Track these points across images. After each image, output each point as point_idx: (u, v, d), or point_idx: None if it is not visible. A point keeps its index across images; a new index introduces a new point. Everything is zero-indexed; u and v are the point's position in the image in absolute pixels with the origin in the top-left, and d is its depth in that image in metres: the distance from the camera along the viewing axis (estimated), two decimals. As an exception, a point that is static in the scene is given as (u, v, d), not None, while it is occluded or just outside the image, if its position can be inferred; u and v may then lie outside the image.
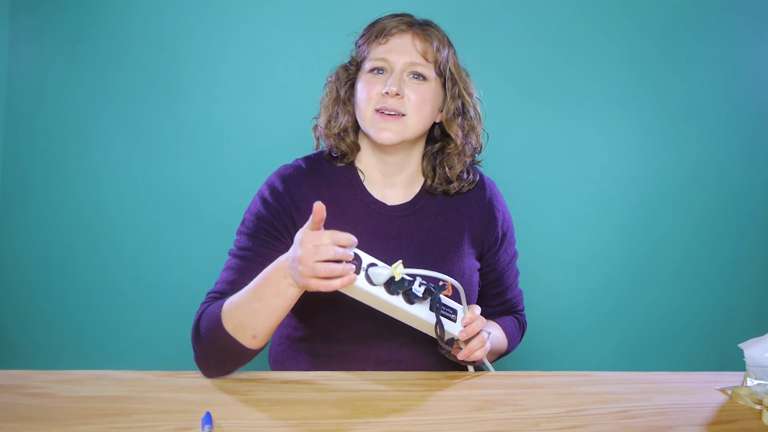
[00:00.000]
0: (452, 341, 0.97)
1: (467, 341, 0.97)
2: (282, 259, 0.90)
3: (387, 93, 1.03)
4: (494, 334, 1.14)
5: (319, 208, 0.84)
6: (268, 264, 1.01)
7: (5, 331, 1.74)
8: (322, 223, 0.86)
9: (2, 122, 1.69)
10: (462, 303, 0.97)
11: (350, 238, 0.84)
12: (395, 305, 0.90)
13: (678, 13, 1.87)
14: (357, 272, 0.86)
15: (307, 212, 1.05)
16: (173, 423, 0.80)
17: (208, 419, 0.80)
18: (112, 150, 1.72)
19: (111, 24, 1.68)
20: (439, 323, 0.92)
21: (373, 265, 0.89)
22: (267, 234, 1.04)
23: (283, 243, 1.05)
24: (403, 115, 1.04)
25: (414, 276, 0.91)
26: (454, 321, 0.96)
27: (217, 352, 0.94)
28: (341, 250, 0.83)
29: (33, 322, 1.75)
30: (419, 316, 0.92)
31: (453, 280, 0.93)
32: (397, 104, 1.04)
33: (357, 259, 0.87)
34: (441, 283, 0.92)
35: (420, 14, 1.13)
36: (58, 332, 1.76)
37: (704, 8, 1.88)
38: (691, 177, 1.93)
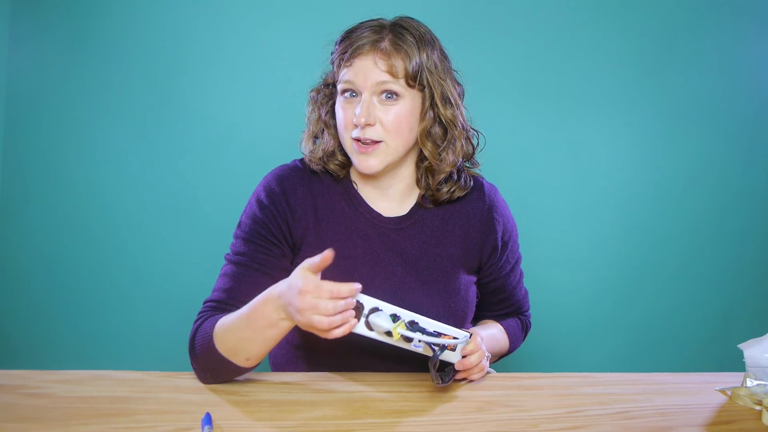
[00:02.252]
0: (452, 369, 0.96)
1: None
2: (275, 294, 0.87)
3: (356, 123, 0.99)
4: (496, 336, 1.14)
5: (327, 257, 0.82)
6: (264, 270, 1.01)
7: (5, 331, 1.74)
8: (324, 268, 0.83)
9: (2, 122, 1.69)
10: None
11: (352, 289, 0.81)
12: (394, 344, 0.90)
13: (678, 13, 1.87)
14: (357, 317, 0.85)
15: (302, 218, 1.05)
16: (173, 423, 0.80)
17: (207, 420, 0.80)
18: (112, 150, 1.72)
19: (111, 24, 1.68)
20: (434, 371, 0.90)
21: (375, 310, 0.86)
22: (263, 239, 1.03)
23: (279, 248, 1.03)
24: (381, 141, 1.00)
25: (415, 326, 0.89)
26: (453, 349, 0.94)
27: (212, 369, 0.93)
28: (342, 302, 0.81)
29: (33, 322, 1.75)
30: (418, 351, 0.92)
31: (459, 333, 0.91)
32: (371, 133, 0.99)
33: (359, 305, 0.85)
34: (442, 339, 0.90)
35: (419, 14, 1.09)
36: (58, 332, 1.76)
37: (704, 8, 1.88)
38: (691, 177, 1.93)
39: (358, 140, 1.00)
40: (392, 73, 0.98)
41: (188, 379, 0.95)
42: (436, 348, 0.89)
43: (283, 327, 0.88)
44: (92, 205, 1.73)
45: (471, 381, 1.01)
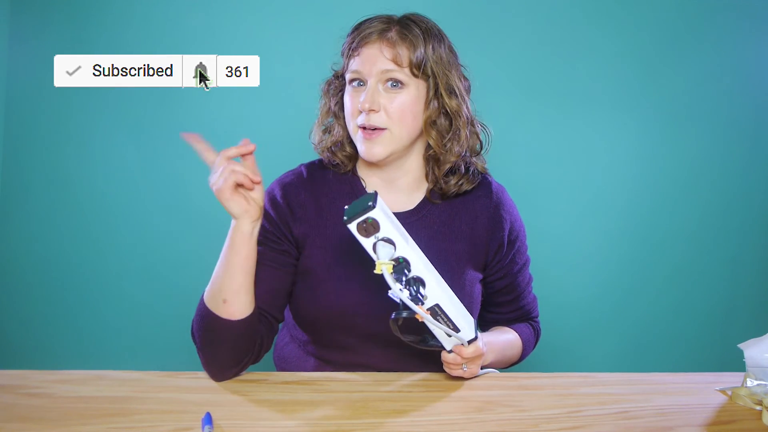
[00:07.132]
0: (433, 342, 0.95)
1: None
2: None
3: (361, 109, 1.01)
4: (511, 342, 1.14)
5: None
6: (270, 264, 1.04)
7: (5, 331, 1.74)
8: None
9: (2, 122, 1.69)
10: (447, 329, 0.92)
11: (242, 146, 0.99)
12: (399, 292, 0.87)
13: (678, 12, 1.86)
14: (372, 234, 0.85)
15: (304, 219, 1.07)
16: (173, 423, 0.80)
17: (208, 420, 0.80)
18: (111, 150, 1.72)
19: (111, 24, 1.68)
20: (396, 326, 0.90)
21: (390, 242, 0.86)
22: (267, 240, 1.06)
23: (283, 245, 1.07)
24: (385, 129, 1.02)
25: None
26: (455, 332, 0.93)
27: (204, 334, 0.96)
28: (233, 164, 0.96)
29: (33, 322, 1.75)
30: (394, 299, 0.90)
31: (465, 333, 0.91)
32: (375, 119, 1.01)
33: (376, 227, 0.84)
34: (422, 311, 0.88)
35: (422, 13, 1.10)
36: (58, 332, 1.76)
37: (704, 8, 1.87)
38: (691, 177, 1.93)
39: (363, 127, 1.03)
40: (397, 62, 1.02)
41: (188, 379, 0.95)
42: (405, 312, 0.87)
43: (238, 245, 0.95)
44: (92, 204, 1.73)
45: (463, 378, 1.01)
